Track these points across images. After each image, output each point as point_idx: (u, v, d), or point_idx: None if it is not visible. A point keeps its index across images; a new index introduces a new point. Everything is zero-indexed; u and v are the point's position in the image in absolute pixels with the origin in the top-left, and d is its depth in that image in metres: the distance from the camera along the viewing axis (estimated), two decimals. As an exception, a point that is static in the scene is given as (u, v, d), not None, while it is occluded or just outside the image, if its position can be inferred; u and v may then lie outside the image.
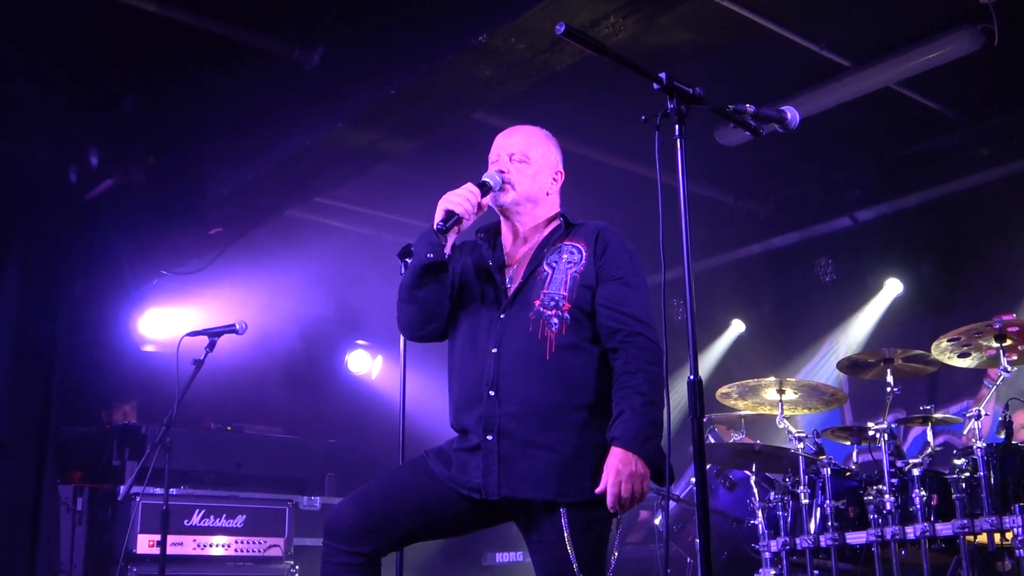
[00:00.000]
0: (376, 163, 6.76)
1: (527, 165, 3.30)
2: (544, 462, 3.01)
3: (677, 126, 2.76)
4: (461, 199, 3.15)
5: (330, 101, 6.11)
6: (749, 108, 2.91)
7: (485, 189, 3.23)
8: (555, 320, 3.10)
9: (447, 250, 3.21)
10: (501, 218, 3.39)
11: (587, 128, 7.30)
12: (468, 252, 3.40)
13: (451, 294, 3.29)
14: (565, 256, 3.21)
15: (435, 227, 3.15)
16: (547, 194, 3.35)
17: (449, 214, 3.14)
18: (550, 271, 3.19)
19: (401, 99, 5.80)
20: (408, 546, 3.25)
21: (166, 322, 8.28)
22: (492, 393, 3.09)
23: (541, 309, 3.12)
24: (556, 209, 3.39)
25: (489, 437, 3.06)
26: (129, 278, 7.96)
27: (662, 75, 2.76)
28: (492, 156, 3.37)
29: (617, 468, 2.93)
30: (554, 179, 3.37)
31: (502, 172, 3.29)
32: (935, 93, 7.19)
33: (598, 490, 2.96)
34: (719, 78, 6.65)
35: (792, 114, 2.95)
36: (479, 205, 3.20)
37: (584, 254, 3.20)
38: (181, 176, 7.20)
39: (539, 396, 3.06)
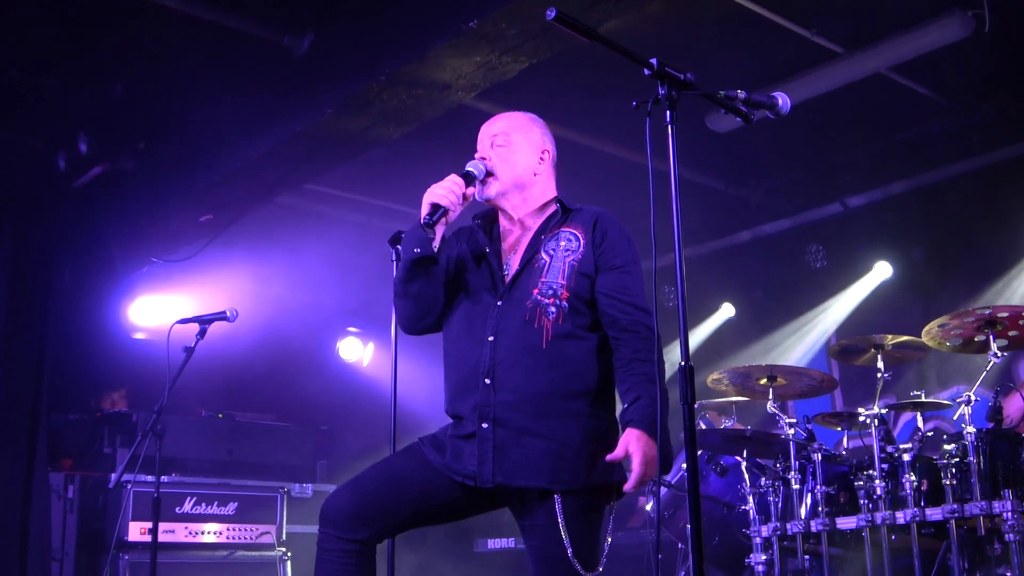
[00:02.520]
0: (366, 149, 6.74)
1: (507, 148, 3.29)
2: (539, 450, 3.02)
3: (668, 112, 2.75)
4: (445, 191, 3.14)
5: (320, 87, 6.09)
6: (740, 94, 2.90)
7: (469, 179, 3.22)
8: (552, 309, 3.10)
9: (436, 242, 3.19)
10: (496, 206, 3.37)
11: (578, 114, 7.28)
12: (465, 239, 3.38)
13: (446, 282, 3.29)
14: (563, 243, 3.20)
15: (422, 221, 3.14)
16: (535, 175, 3.32)
17: (435, 207, 3.14)
18: (548, 259, 3.17)
19: (391, 85, 5.78)
20: (402, 533, 3.26)
21: (157, 309, 8.26)
22: (488, 381, 3.09)
23: (539, 297, 3.11)
24: (551, 192, 3.37)
25: (484, 425, 3.06)
26: (119, 265, 7.94)
27: (653, 60, 2.75)
28: (478, 147, 3.37)
29: (644, 450, 2.93)
30: (541, 159, 3.34)
31: (484, 160, 3.28)
32: (926, 79, 7.19)
33: (629, 476, 2.97)
34: (710, 64, 6.64)
35: (783, 100, 2.95)
36: (464, 196, 3.20)
37: (582, 241, 3.19)
38: (171, 163, 7.18)
39: (535, 384, 3.06)
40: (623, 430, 3.01)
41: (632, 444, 2.95)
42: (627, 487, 2.98)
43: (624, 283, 3.13)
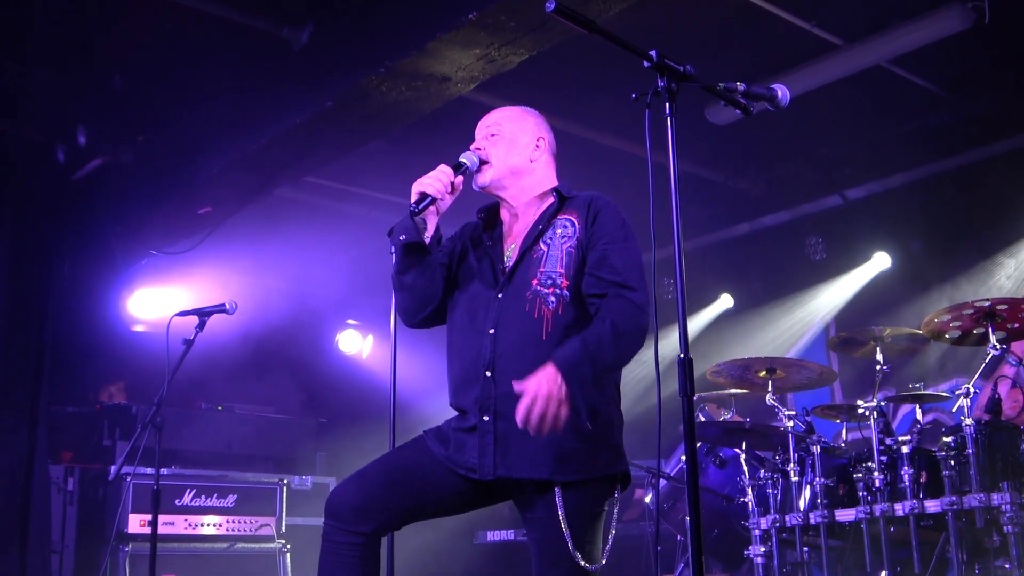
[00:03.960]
0: (366, 142, 6.74)
1: (500, 137, 3.31)
2: (540, 442, 3.00)
3: (668, 104, 2.75)
4: (433, 179, 3.17)
5: (319, 80, 6.08)
6: (739, 86, 2.90)
7: (461, 169, 3.24)
8: (552, 299, 3.10)
9: (429, 232, 3.21)
10: (496, 197, 3.38)
11: (578, 106, 7.28)
12: (468, 233, 3.41)
13: (448, 276, 3.30)
14: (559, 231, 3.20)
15: (409, 210, 3.17)
16: (531, 161, 3.33)
17: (422, 196, 3.16)
18: (545, 248, 3.18)
19: (391, 77, 5.77)
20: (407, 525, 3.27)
21: (156, 302, 8.25)
22: (488, 374, 3.09)
23: (538, 288, 3.11)
24: (551, 181, 3.38)
25: (486, 418, 3.07)
26: (119, 258, 7.93)
27: (652, 53, 2.74)
28: (474, 141, 3.39)
29: (538, 379, 2.82)
30: (536, 146, 3.35)
31: (478, 150, 3.30)
32: (926, 71, 7.18)
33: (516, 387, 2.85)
34: (710, 56, 6.63)
35: (782, 92, 2.94)
36: (453, 185, 3.21)
37: (577, 226, 3.18)
38: (170, 155, 7.17)
39: None
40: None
41: (532, 377, 2.84)
42: (517, 415, 2.83)
43: (606, 259, 3.09)
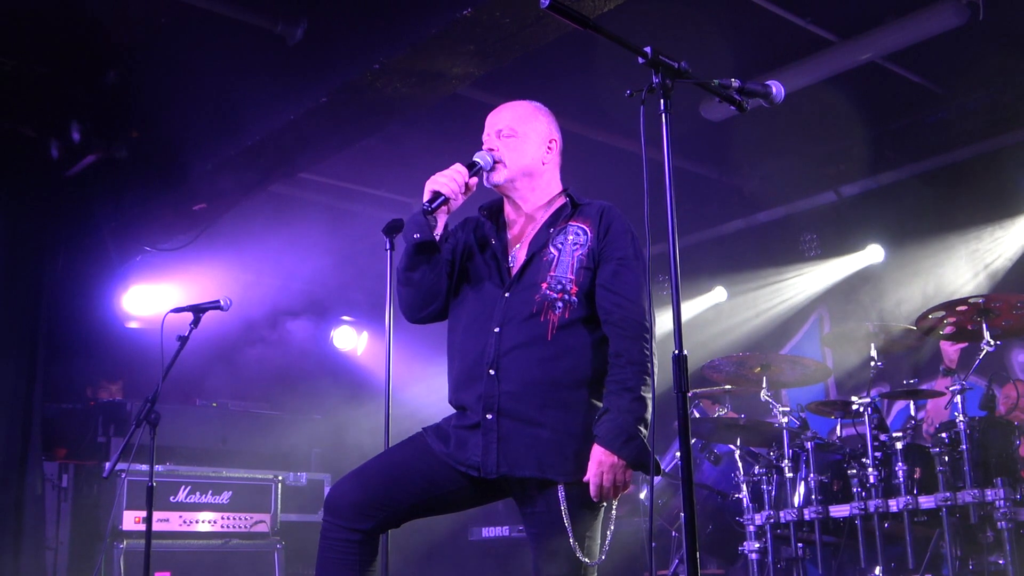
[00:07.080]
0: (361, 138, 6.73)
1: (515, 139, 3.29)
2: (543, 441, 3.03)
3: (662, 100, 2.74)
4: (448, 179, 3.16)
5: (314, 75, 6.07)
6: (734, 82, 2.90)
7: (475, 169, 3.23)
8: (560, 304, 3.11)
9: (439, 230, 3.22)
10: (503, 195, 3.38)
11: (573, 103, 7.26)
12: (471, 229, 3.40)
13: (451, 272, 3.30)
14: (571, 238, 3.21)
15: (422, 208, 3.16)
16: (543, 164, 3.33)
17: (435, 195, 3.15)
18: (556, 253, 3.19)
19: (385, 74, 5.76)
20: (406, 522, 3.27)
21: (150, 298, 8.24)
22: (492, 372, 3.09)
23: (547, 291, 3.13)
24: (558, 185, 3.39)
25: (489, 416, 3.07)
26: (113, 254, 7.92)
27: (647, 49, 2.74)
28: (483, 137, 3.37)
29: (599, 460, 2.97)
30: (548, 148, 3.35)
31: (492, 151, 3.28)
32: (921, 67, 7.19)
33: (584, 478, 2.99)
34: (704, 52, 6.63)
35: (777, 88, 2.95)
36: (467, 185, 3.20)
37: (589, 235, 3.20)
38: (165, 151, 7.15)
39: (539, 375, 3.07)
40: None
41: (591, 455, 3.00)
42: (592, 496, 3.00)
43: (621, 276, 3.13)
